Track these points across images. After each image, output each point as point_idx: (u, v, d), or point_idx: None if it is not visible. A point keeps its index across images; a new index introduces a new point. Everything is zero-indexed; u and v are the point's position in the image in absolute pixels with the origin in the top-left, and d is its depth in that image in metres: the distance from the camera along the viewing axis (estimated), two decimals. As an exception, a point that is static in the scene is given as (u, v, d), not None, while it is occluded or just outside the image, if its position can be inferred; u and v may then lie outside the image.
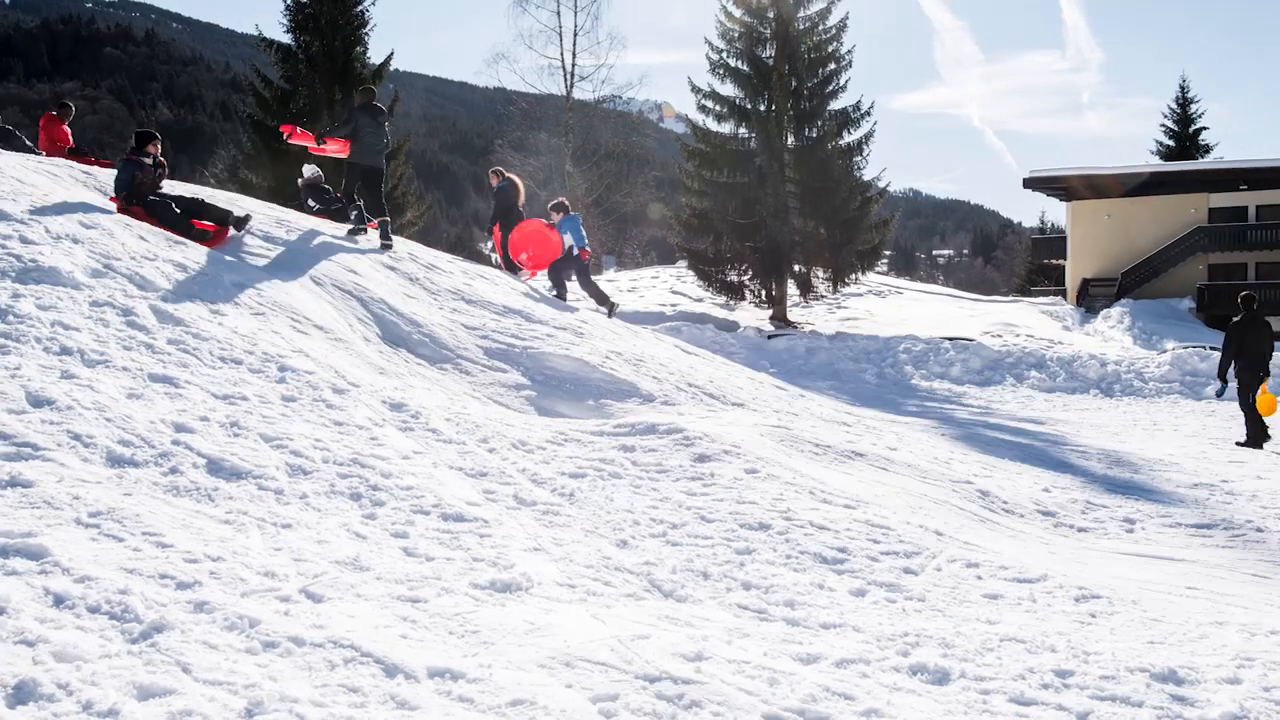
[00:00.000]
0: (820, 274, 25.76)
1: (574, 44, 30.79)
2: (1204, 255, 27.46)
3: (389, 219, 9.00)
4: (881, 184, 26.35)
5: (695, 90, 25.62)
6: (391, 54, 25.51)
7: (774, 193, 24.59)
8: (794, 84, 25.09)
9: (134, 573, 2.88)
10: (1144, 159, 37.82)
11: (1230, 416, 12.75)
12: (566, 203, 11.23)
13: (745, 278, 25.91)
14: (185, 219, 6.99)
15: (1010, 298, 34.67)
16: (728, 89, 25.55)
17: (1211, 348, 17.59)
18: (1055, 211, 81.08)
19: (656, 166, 36.70)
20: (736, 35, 25.40)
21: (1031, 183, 29.86)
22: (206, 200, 7.46)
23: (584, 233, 10.80)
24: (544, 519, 4.15)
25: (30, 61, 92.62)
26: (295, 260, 7.24)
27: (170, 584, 2.86)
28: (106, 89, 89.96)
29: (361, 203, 8.90)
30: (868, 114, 25.19)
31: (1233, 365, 9.58)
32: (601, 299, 10.53)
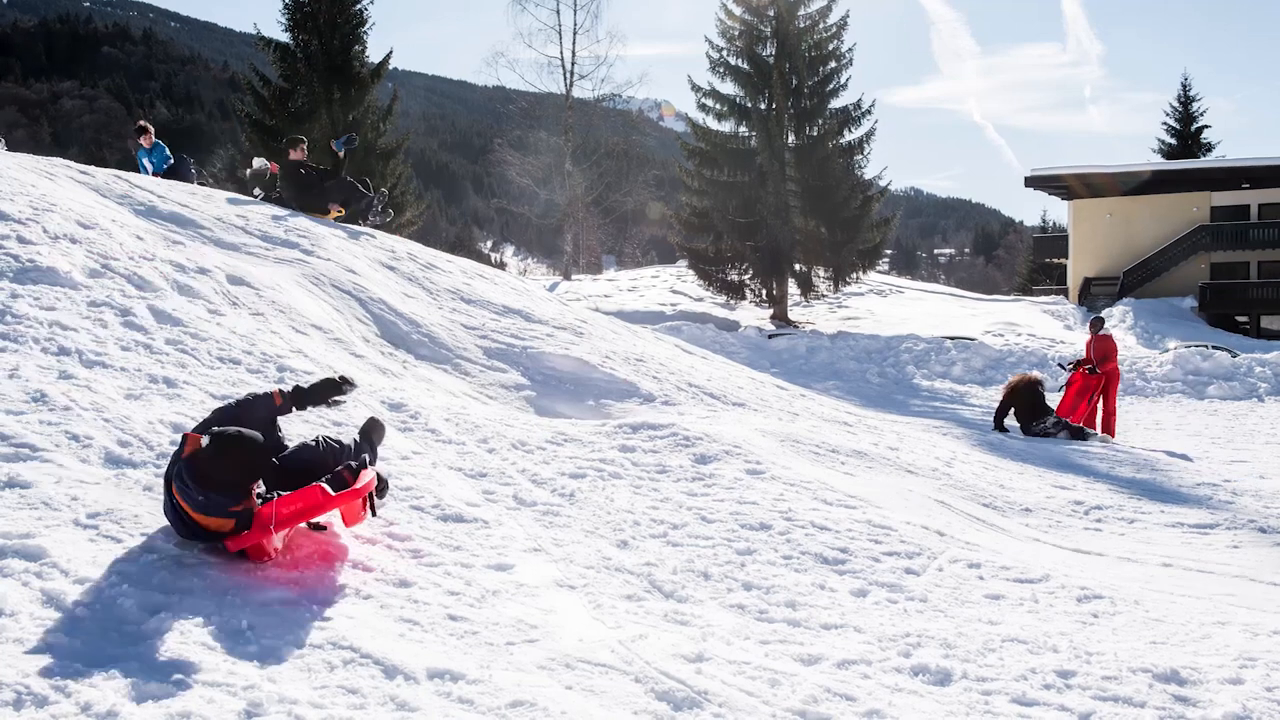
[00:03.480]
0: (821, 273, 25.74)
1: (573, 42, 30.79)
2: (1206, 254, 27.43)
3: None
4: (882, 183, 26.37)
5: (695, 89, 25.60)
6: (390, 53, 25.49)
7: (774, 192, 24.58)
8: (794, 82, 25.07)
9: (132, 575, 2.86)
10: (1146, 157, 37.80)
11: (1232, 416, 12.74)
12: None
13: (746, 277, 25.90)
14: None
15: (1012, 297, 34.67)
16: (728, 87, 25.56)
17: (1214, 346, 17.57)
18: (1057, 210, 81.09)
19: (656, 165, 36.69)
20: (736, 33, 25.38)
21: (1033, 181, 29.84)
22: None
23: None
24: (544, 519, 4.13)
25: (27, 60, 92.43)
26: (294, 260, 7.23)
27: (170, 586, 2.85)
28: (104, 88, 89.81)
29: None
30: (868, 112, 25.18)
31: None
32: None
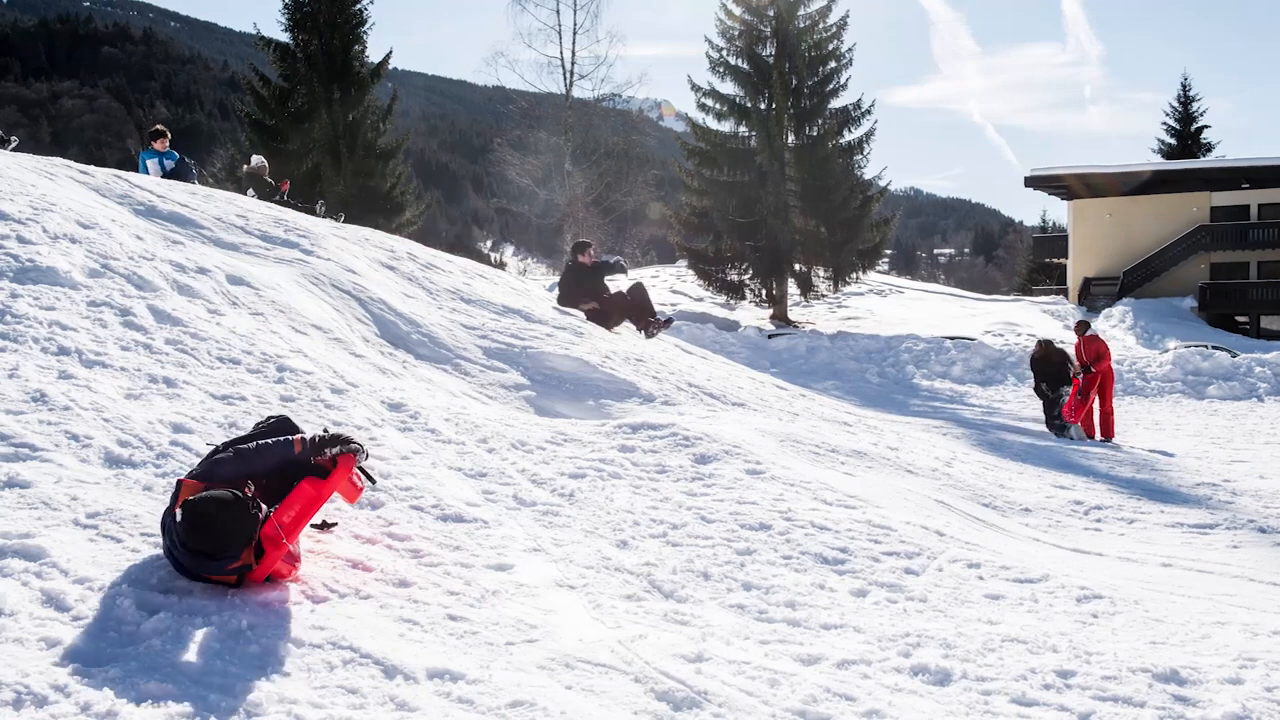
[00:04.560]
0: (821, 273, 25.78)
1: (573, 42, 30.80)
2: (1206, 254, 27.45)
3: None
4: (882, 183, 26.42)
5: (695, 88, 25.63)
6: (390, 52, 25.55)
7: (774, 191, 24.59)
8: (794, 82, 25.09)
9: (131, 575, 2.86)
10: (1146, 157, 37.83)
11: (1233, 415, 12.73)
12: None
13: (745, 277, 25.92)
14: None
15: (1012, 297, 34.68)
16: (728, 87, 25.58)
17: (1214, 347, 17.57)
18: (1057, 210, 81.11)
19: (656, 165, 36.71)
20: (736, 33, 25.40)
21: (1033, 181, 29.87)
22: None
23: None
24: (544, 519, 4.13)
25: (28, 60, 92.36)
26: (293, 260, 7.23)
27: (168, 585, 2.85)
28: (104, 88, 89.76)
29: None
30: (868, 112, 25.21)
31: None
32: None
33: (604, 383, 6.95)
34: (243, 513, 2.80)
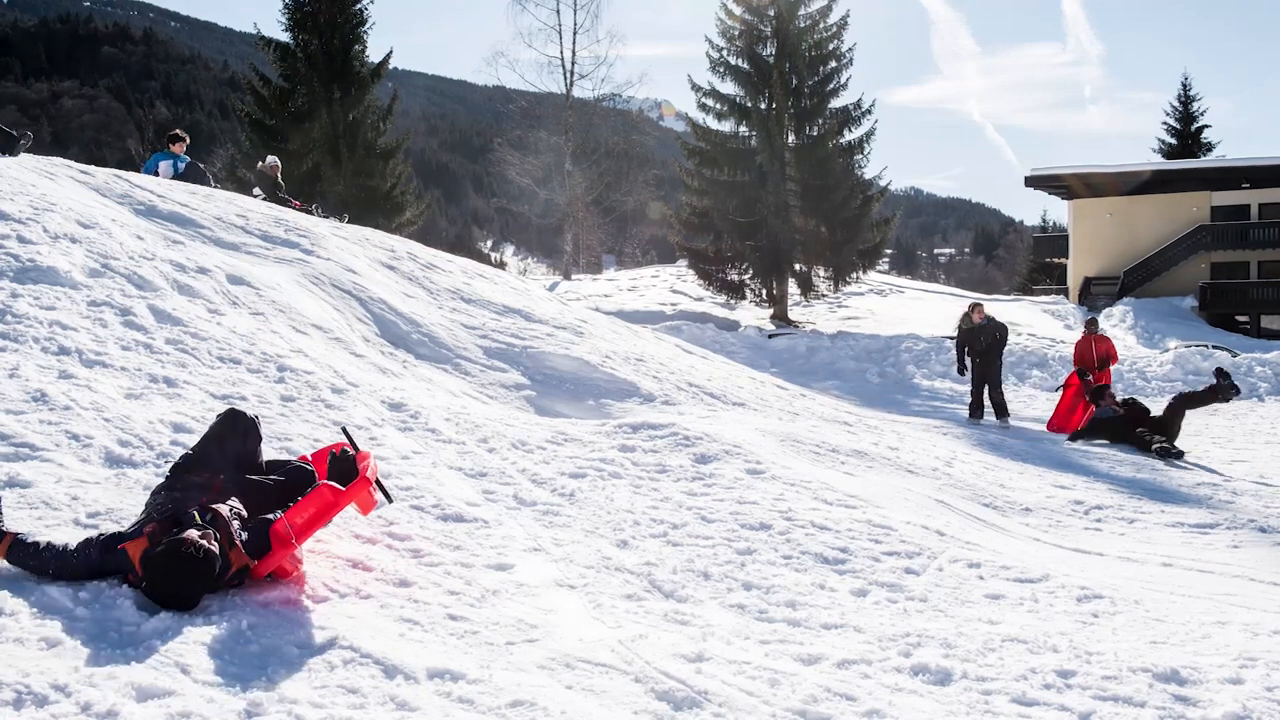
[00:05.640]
0: (821, 273, 25.74)
1: (573, 42, 30.79)
2: (1206, 254, 27.42)
3: None
4: (882, 183, 26.37)
5: (695, 88, 25.59)
6: (390, 52, 25.51)
7: (774, 191, 24.56)
8: (794, 82, 25.06)
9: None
10: (1146, 157, 37.78)
11: (1233, 415, 12.73)
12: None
13: (746, 277, 25.90)
14: None
15: (1012, 296, 34.68)
16: (728, 87, 25.54)
17: (1214, 346, 17.56)
18: (1057, 210, 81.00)
19: (656, 165, 36.70)
20: (737, 33, 25.36)
21: (1033, 181, 29.84)
22: None
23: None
24: (544, 519, 4.14)
25: (28, 60, 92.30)
26: (294, 260, 7.23)
27: (168, 585, 2.85)
28: (105, 87, 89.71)
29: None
30: (868, 112, 25.17)
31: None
32: None
33: (604, 382, 6.95)
34: (197, 566, 2.72)
